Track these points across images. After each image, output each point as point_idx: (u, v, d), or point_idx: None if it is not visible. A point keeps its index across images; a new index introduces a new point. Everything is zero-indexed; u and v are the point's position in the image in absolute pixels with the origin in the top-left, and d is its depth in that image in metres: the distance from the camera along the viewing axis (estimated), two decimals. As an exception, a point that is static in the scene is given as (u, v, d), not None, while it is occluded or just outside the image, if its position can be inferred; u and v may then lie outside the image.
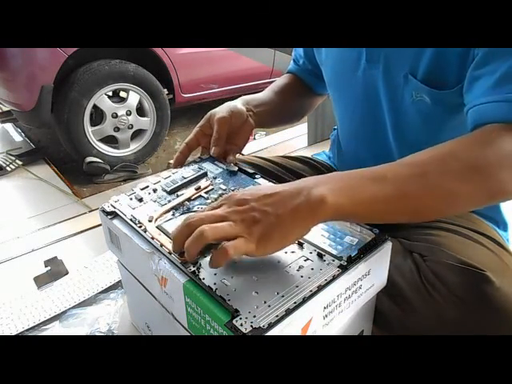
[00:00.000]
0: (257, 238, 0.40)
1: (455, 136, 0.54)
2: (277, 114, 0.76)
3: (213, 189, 0.58)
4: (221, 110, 0.66)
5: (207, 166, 0.64)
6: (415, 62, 0.56)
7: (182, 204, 0.56)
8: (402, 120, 0.62)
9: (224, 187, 0.58)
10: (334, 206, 0.41)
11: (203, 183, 0.60)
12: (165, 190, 0.59)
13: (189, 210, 0.55)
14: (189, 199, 0.57)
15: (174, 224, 0.52)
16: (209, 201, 0.56)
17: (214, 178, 0.61)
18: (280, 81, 0.82)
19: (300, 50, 0.82)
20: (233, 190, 0.57)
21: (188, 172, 0.62)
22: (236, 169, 0.62)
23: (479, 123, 0.47)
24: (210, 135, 0.66)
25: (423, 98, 0.58)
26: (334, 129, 0.87)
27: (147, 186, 0.60)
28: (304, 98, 0.84)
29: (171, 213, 0.55)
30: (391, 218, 0.45)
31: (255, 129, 0.71)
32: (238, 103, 0.69)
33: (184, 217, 0.53)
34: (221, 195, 0.56)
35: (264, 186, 0.46)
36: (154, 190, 0.59)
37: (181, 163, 0.65)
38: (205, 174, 0.62)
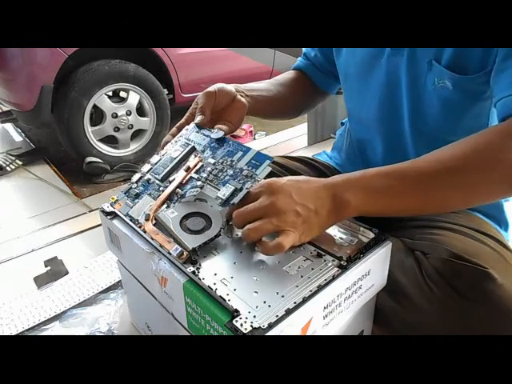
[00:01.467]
0: (300, 230, 0.45)
1: (473, 126, 0.57)
2: (272, 103, 0.75)
3: (202, 165, 0.57)
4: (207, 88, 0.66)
5: (194, 138, 0.62)
6: (440, 48, 0.57)
7: (174, 192, 0.55)
8: (422, 108, 0.62)
9: (213, 161, 0.57)
10: (357, 208, 0.46)
11: (192, 161, 0.58)
12: (157, 178, 0.58)
13: (183, 197, 0.54)
14: (180, 184, 0.56)
15: (171, 217, 0.51)
16: (199, 182, 0.55)
17: (202, 151, 0.60)
18: (282, 75, 0.81)
19: None
20: (222, 164, 0.56)
21: (176, 150, 0.61)
22: (222, 134, 0.60)
23: (506, 115, 0.48)
24: None
25: (445, 84, 0.58)
26: (342, 123, 0.86)
27: (141, 178, 0.60)
28: (306, 94, 0.83)
29: (166, 205, 0.54)
30: (411, 213, 0.51)
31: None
32: (227, 84, 0.68)
33: (179, 206, 0.53)
34: (211, 172, 0.56)
35: (297, 178, 0.48)
36: (148, 181, 0.59)
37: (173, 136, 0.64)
38: (193, 149, 0.60)
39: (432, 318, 0.52)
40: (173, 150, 0.62)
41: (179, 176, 0.57)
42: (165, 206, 0.54)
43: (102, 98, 2.14)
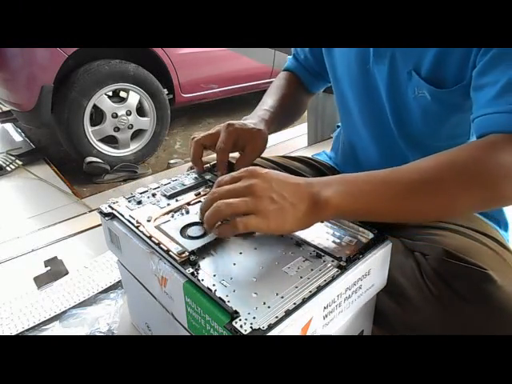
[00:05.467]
0: (271, 217, 0.43)
1: (455, 133, 0.60)
2: (281, 120, 0.77)
3: None
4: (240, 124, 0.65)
5: (207, 177, 0.65)
6: (419, 60, 0.58)
7: (181, 207, 0.56)
8: (404, 114, 0.64)
9: None
10: (336, 208, 0.45)
11: (203, 190, 0.60)
12: (164, 195, 0.60)
13: (188, 213, 0.55)
14: (188, 203, 0.57)
15: (173, 226, 0.52)
16: None
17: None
18: (280, 82, 0.82)
19: None
20: None
21: (188, 180, 0.63)
22: None
23: (483, 133, 0.49)
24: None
25: (424, 94, 0.59)
26: (338, 126, 0.87)
27: (146, 191, 0.61)
28: (300, 97, 0.85)
29: (170, 215, 0.55)
30: (389, 219, 0.48)
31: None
32: (261, 125, 0.67)
33: (183, 218, 0.54)
34: None
35: (279, 172, 0.48)
36: (153, 195, 0.60)
37: (199, 156, 0.65)
38: (205, 183, 0.63)
39: (431, 319, 0.52)
40: (185, 178, 0.64)
41: (188, 197, 0.59)
42: (169, 215, 0.55)
43: (101, 98, 2.14)
